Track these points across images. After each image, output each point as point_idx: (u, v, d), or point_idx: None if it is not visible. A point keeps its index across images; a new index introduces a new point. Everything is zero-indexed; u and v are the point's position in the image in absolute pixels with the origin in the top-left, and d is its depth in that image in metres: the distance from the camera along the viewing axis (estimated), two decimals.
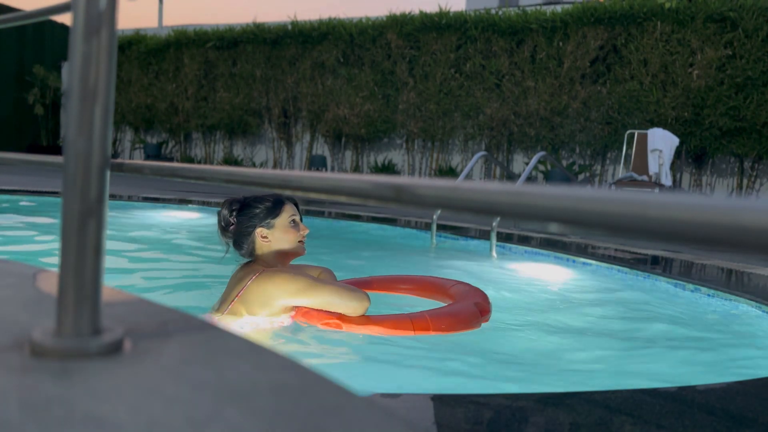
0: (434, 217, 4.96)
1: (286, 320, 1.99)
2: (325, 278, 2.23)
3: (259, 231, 2.07)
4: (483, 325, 2.09)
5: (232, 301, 1.98)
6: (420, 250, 4.65)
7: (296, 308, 2.00)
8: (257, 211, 2.08)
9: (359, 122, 11.80)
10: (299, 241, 2.10)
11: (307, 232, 2.12)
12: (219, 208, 2.15)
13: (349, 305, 1.94)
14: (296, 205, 2.16)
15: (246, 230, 2.08)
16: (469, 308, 2.11)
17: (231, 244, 2.13)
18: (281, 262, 2.11)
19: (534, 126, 10.37)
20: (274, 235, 2.07)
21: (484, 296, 2.28)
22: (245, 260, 2.14)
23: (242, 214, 2.09)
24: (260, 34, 12.80)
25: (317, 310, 1.97)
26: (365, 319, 1.96)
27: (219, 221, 2.14)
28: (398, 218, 6.11)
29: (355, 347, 1.98)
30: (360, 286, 2.53)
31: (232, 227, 2.10)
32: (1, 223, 4.73)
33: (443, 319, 2.00)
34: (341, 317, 1.95)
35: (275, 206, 2.08)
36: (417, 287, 2.61)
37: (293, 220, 2.10)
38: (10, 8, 15.99)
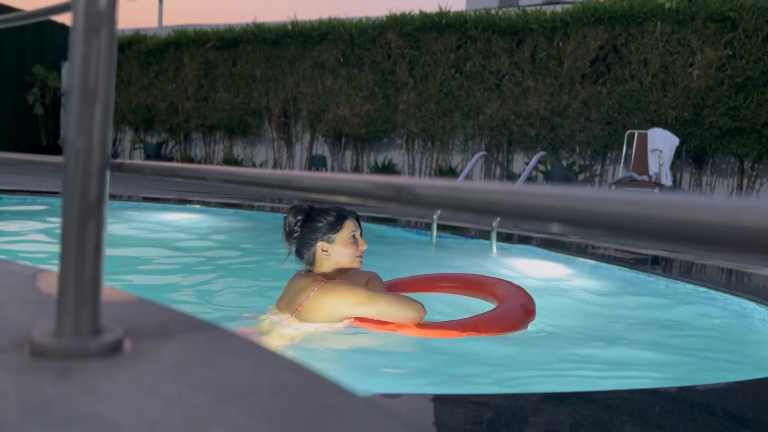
0: (434, 216, 4.96)
1: (344, 323, 2.08)
2: (373, 283, 2.34)
3: (320, 245, 2.15)
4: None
5: (296, 309, 2.08)
6: (420, 249, 4.65)
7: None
8: (320, 224, 2.15)
9: (359, 122, 11.80)
10: (357, 256, 2.18)
11: (365, 248, 2.19)
12: (285, 214, 2.23)
13: (406, 316, 2.04)
14: (358, 219, 2.23)
15: (308, 242, 2.16)
16: (517, 311, 2.19)
17: (293, 251, 2.21)
18: (338, 274, 2.19)
19: (534, 126, 10.37)
20: (334, 250, 2.15)
21: (529, 296, 2.34)
22: (292, 265, 2.24)
23: (306, 226, 2.17)
24: (260, 34, 12.80)
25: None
26: (420, 325, 2.05)
27: (284, 226, 2.21)
28: (398, 218, 6.11)
29: (407, 350, 2.03)
30: (403, 286, 2.63)
31: (296, 235, 2.18)
32: (1, 223, 4.73)
33: (493, 323, 2.09)
34: (396, 324, 2.04)
35: (337, 221, 2.15)
36: (460, 285, 2.67)
37: (353, 236, 2.17)
38: (10, 8, 15.99)
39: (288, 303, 2.14)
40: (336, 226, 2.14)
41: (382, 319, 2.04)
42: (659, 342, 2.37)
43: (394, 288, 2.58)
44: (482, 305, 2.47)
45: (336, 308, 2.04)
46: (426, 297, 2.53)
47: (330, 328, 2.05)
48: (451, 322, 2.08)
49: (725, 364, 2.13)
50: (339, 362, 1.97)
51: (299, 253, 2.18)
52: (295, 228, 2.18)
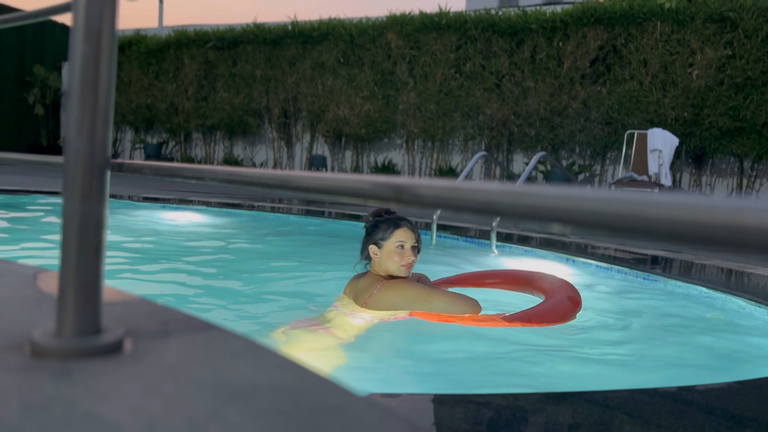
0: (434, 216, 4.96)
1: (406, 315, 2.24)
2: (422, 282, 2.50)
3: (372, 248, 2.33)
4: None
5: (362, 304, 2.27)
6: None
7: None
8: (376, 229, 2.34)
9: (359, 122, 11.80)
10: (402, 265, 2.29)
11: (411, 260, 2.30)
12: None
13: (463, 311, 2.19)
14: (415, 231, 2.36)
15: (365, 243, 2.37)
16: (566, 303, 2.34)
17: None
18: (389, 277, 2.34)
19: (534, 126, 10.37)
20: (381, 254, 2.31)
21: (574, 289, 2.46)
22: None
23: (369, 228, 2.37)
24: (260, 34, 12.80)
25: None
26: (476, 318, 2.20)
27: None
28: None
29: (460, 342, 2.14)
30: (450, 283, 2.76)
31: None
32: (1, 223, 4.73)
33: (545, 315, 2.23)
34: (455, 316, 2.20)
35: (388, 228, 2.32)
36: (505, 281, 2.79)
37: (401, 245, 2.29)
38: (10, 8, 15.99)
39: (353, 299, 2.33)
40: (386, 232, 2.30)
41: (440, 313, 2.19)
42: (659, 342, 2.37)
43: (442, 285, 2.72)
44: (524, 299, 2.60)
45: (398, 304, 2.20)
46: (472, 293, 2.65)
47: (393, 318, 2.21)
48: (505, 315, 2.22)
49: (725, 364, 2.13)
50: (400, 352, 2.10)
51: (361, 251, 2.39)
52: (365, 228, 2.40)
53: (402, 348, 2.12)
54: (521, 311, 2.23)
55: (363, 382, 1.76)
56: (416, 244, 2.33)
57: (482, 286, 2.77)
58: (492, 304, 2.56)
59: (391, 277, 2.32)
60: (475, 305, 2.20)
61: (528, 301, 2.52)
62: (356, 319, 2.22)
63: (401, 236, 2.29)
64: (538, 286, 2.57)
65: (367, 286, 2.29)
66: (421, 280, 2.52)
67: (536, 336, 2.25)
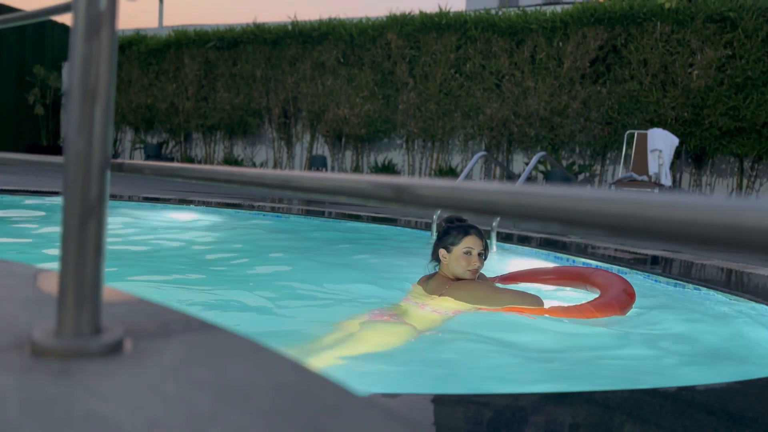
0: (434, 216, 4.96)
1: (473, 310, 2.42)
2: (482, 280, 2.66)
3: (441, 251, 2.51)
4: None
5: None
6: (420, 249, 4.64)
7: None
8: (447, 234, 2.50)
9: (359, 122, 11.80)
10: (468, 270, 2.46)
11: (476, 266, 2.47)
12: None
13: (527, 307, 2.34)
14: (483, 239, 2.51)
15: (436, 246, 2.54)
16: (622, 296, 2.48)
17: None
18: (454, 279, 2.51)
19: (534, 126, 10.36)
20: (449, 258, 2.48)
21: (628, 282, 2.58)
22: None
23: (441, 232, 2.54)
24: (260, 34, 12.79)
25: None
26: (544, 308, 2.35)
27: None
28: (398, 218, 6.11)
29: (527, 337, 2.22)
30: (505, 280, 2.90)
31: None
32: (2, 223, 4.73)
33: (605, 306, 2.36)
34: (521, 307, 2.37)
35: (458, 235, 2.48)
36: (559, 277, 2.91)
37: (467, 251, 2.46)
38: (10, 8, 15.98)
39: (422, 296, 2.49)
40: (455, 238, 2.46)
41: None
42: (659, 342, 2.37)
43: (498, 282, 2.84)
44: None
45: (467, 302, 2.37)
46: (529, 289, 2.75)
47: (463, 311, 2.37)
48: (566, 306, 2.35)
49: (725, 364, 2.13)
50: (471, 344, 2.19)
51: (432, 253, 2.57)
52: (437, 233, 2.57)
53: (474, 340, 2.23)
54: (583, 303, 2.36)
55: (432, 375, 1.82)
56: (483, 252, 2.49)
57: (538, 282, 2.89)
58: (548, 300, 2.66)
59: (458, 279, 2.47)
60: (538, 302, 2.35)
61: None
62: (429, 310, 2.39)
63: (469, 243, 2.45)
64: (593, 281, 2.68)
65: (437, 286, 2.47)
66: (480, 277, 2.66)
67: (522, 333, 2.27)
